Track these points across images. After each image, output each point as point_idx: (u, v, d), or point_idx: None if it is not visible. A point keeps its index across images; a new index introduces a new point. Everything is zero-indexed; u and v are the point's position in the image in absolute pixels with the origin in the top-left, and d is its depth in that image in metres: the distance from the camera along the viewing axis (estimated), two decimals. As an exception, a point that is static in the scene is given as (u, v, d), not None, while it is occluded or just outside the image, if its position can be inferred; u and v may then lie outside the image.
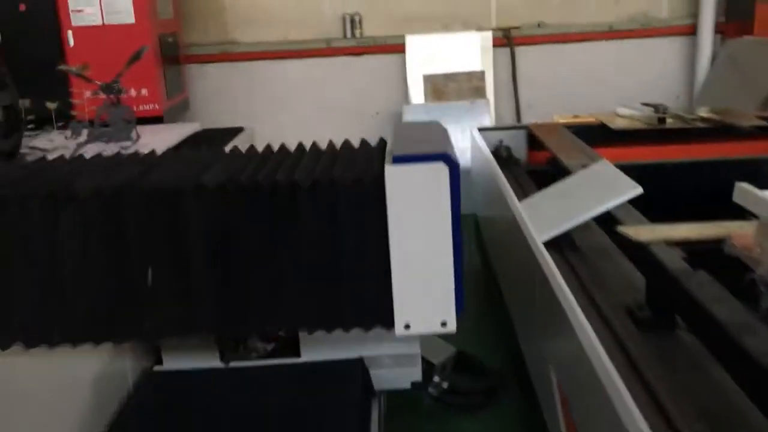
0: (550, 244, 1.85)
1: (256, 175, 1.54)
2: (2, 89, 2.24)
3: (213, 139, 3.42)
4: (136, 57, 3.12)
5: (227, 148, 1.85)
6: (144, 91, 3.91)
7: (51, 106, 3.22)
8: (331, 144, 1.82)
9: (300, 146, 1.80)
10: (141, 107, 3.92)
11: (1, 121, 2.21)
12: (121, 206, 1.48)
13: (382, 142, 1.77)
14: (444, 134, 1.76)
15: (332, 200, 1.50)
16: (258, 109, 4.91)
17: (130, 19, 3.81)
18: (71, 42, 3.81)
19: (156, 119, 3.93)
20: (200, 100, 4.84)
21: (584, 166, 2.29)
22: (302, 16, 4.88)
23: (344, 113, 4.93)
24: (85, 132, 2.86)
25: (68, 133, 2.94)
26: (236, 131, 3.62)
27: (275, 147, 1.81)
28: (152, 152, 1.91)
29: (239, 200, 1.49)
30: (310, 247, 1.51)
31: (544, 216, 2.02)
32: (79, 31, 3.81)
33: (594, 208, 1.92)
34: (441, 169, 1.46)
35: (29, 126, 2.99)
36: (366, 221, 1.50)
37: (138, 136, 2.99)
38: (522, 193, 2.47)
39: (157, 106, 3.93)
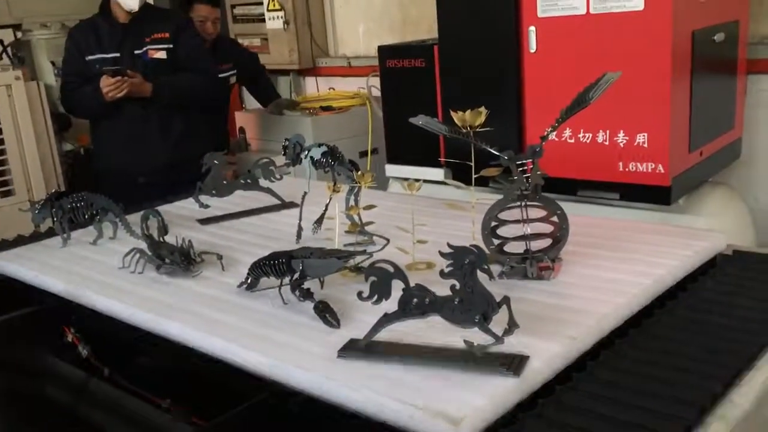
0: None
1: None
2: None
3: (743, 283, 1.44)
4: (581, 101, 1.38)
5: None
6: (641, 138, 2.10)
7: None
8: None
9: None
10: (630, 166, 2.13)
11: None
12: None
13: None
14: None
15: None
16: None
17: (638, 4, 2.03)
18: (533, 46, 2.25)
19: (657, 193, 2.10)
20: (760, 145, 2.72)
21: None
22: None
23: None
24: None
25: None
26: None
27: None
28: None
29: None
30: None
31: None
32: (547, 27, 2.21)
33: None
34: None
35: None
36: None
37: (555, 264, 1.29)
38: None
39: (661, 169, 2.08)
